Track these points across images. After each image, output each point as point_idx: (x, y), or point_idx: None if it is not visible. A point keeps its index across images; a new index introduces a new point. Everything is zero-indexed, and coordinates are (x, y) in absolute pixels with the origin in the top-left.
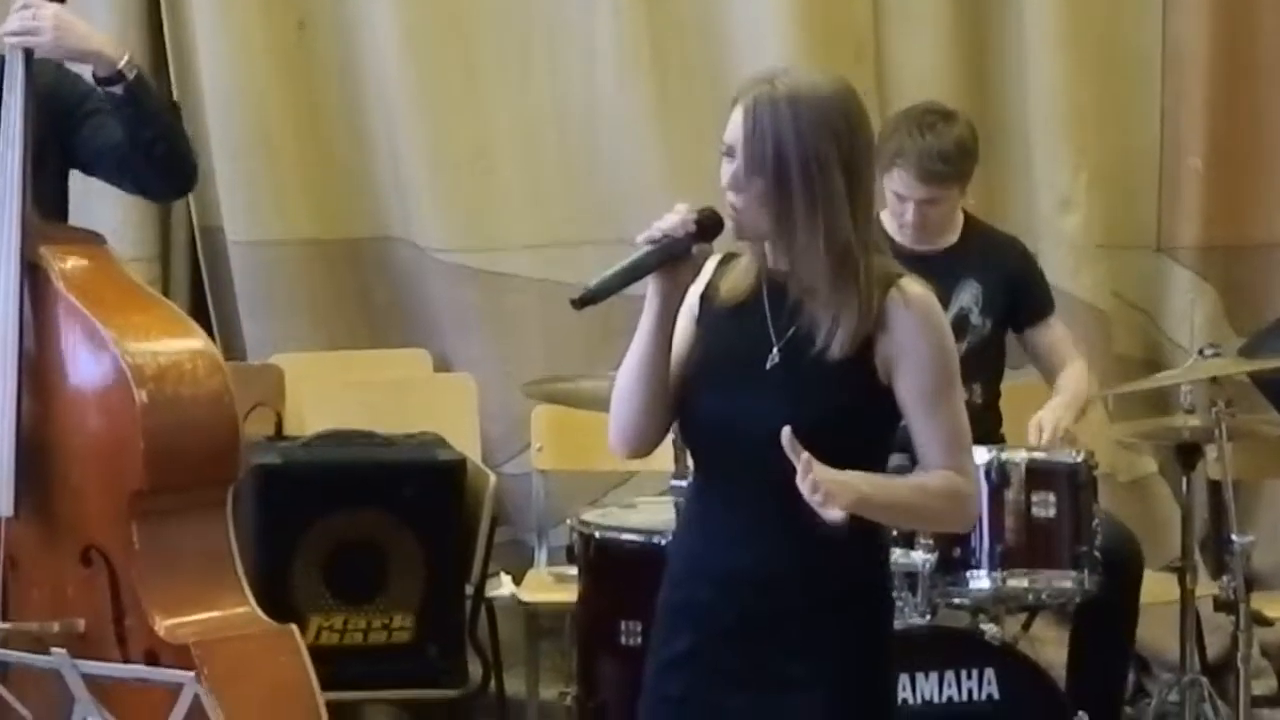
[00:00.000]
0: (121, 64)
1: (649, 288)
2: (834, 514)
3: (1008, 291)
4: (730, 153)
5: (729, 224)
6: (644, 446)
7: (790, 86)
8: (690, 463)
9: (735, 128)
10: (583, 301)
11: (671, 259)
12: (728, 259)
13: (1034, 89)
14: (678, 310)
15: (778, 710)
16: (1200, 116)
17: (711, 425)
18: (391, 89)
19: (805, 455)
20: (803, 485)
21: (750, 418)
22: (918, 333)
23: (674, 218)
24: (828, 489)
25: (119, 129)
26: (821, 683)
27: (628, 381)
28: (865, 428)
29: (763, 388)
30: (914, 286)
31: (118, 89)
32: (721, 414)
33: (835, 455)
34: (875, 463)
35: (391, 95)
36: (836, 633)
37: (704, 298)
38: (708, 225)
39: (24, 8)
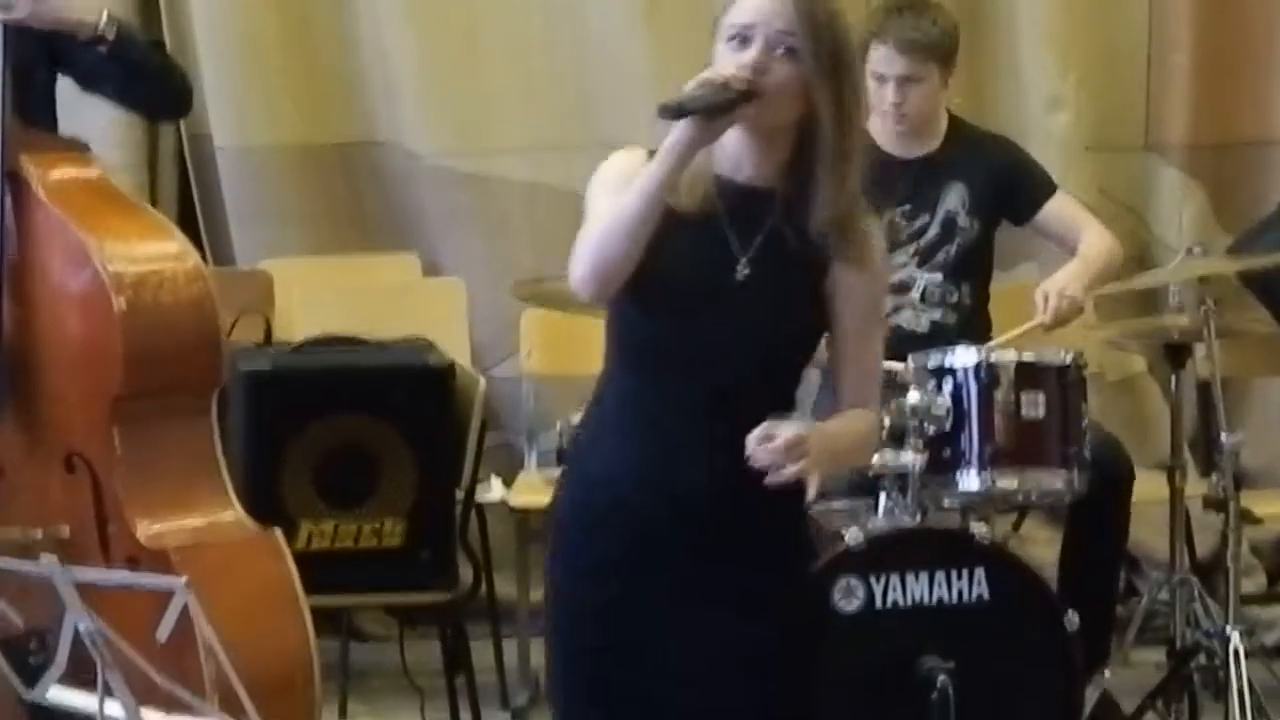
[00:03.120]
0: (101, 27)
1: (679, 131)
2: (814, 487)
3: (995, 189)
4: (748, 36)
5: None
6: (614, 288)
7: None
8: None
9: (768, 10)
10: (674, 112)
11: (723, 107)
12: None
13: None
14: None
15: (719, 619)
16: (1187, 13)
17: (675, 337)
18: None
19: (782, 437)
20: (788, 459)
21: (721, 332)
22: (873, 261)
23: (731, 69)
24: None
25: (112, 74)
26: (766, 591)
27: (630, 221)
28: (812, 344)
29: (732, 301)
30: (868, 217)
31: (102, 49)
32: (688, 327)
33: (787, 372)
34: (797, 381)
35: None
36: (778, 544)
37: None
38: (754, 89)
39: None
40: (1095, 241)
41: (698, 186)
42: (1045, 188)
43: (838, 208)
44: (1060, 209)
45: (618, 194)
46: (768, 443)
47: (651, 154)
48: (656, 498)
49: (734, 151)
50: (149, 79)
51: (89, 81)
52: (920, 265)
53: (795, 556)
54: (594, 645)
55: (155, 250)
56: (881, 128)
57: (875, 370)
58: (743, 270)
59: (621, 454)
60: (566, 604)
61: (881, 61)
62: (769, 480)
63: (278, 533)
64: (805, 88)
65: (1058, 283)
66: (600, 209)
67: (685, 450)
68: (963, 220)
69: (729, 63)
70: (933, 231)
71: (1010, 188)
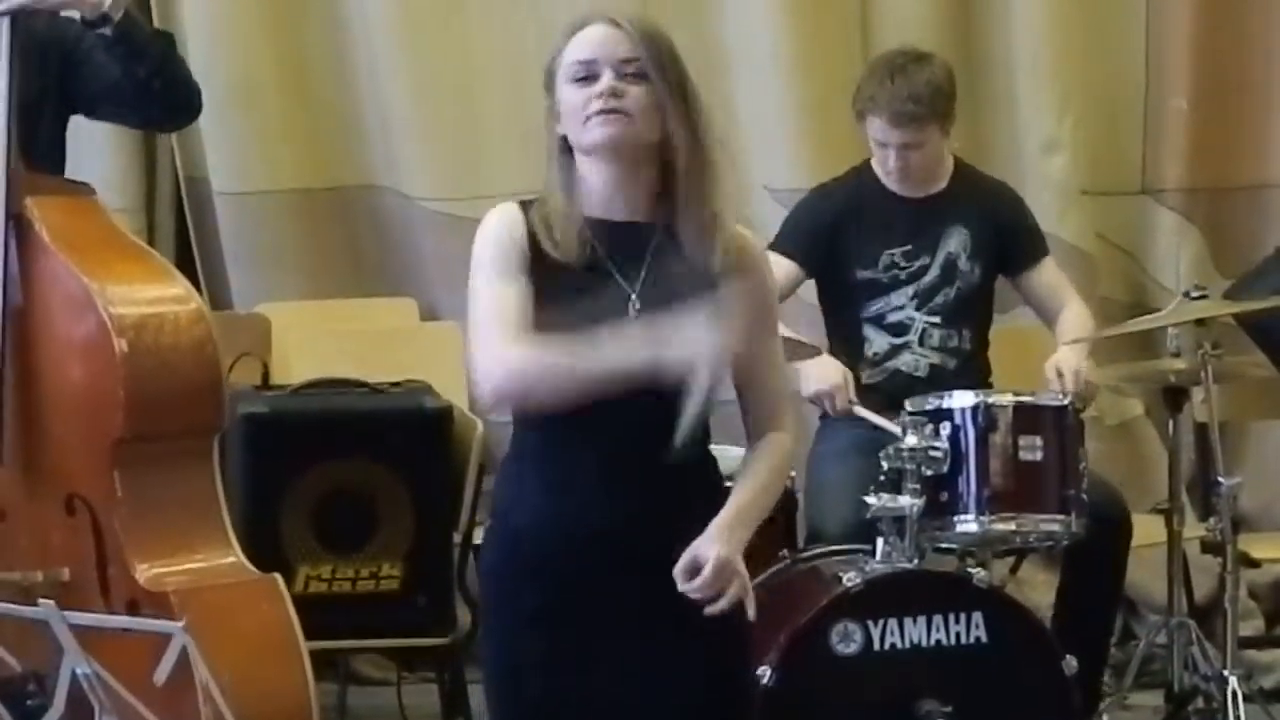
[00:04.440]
0: (106, 5)
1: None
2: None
3: (997, 237)
4: (593, 71)
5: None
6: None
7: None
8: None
9: (608, 41)
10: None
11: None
12: (527, 207)
13: (1018, 31)
14: None
15: (660, 653)
16: (1184, 57)
17: None
18: (376, 36)
19: (708, 569)
20: (719, 586)
21: None
22: (753, 268)
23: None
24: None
25: (115, 66)
26: (698, 628)
27: (576, 390)
28: None
29: None
30: (736, 226)
31: (106, 30)
32: None
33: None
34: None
35: (376, 43)
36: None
37: (532, 251)
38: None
39: None
40: (1082, 318)
41: (570, 234)
42: (1039, 249)
43: (701, 220)
44: (1049, 276)
45: (504, 279)
46: (694, 577)
47: (522, 204)
48: (581, 543)
49: (603, 191)
50: (152, 72)
51: (97, 99)
52: (919, 308)
53: None
54: (535, 696)
55: (157, 293)
56: (884, 175)
57: (780, 386)
58: (635, 306)
59: (543, 503)
60: (504, 655)
61: (879, 131)
62: (709, 611)
63: (278, 577)
64: (660, 106)
65: (1069, 360)
66: (494, 296)
67: (605, 492)
68: (963, 264)
69: (582, 94)
70: (933, 274)
71: (1009, 238)
